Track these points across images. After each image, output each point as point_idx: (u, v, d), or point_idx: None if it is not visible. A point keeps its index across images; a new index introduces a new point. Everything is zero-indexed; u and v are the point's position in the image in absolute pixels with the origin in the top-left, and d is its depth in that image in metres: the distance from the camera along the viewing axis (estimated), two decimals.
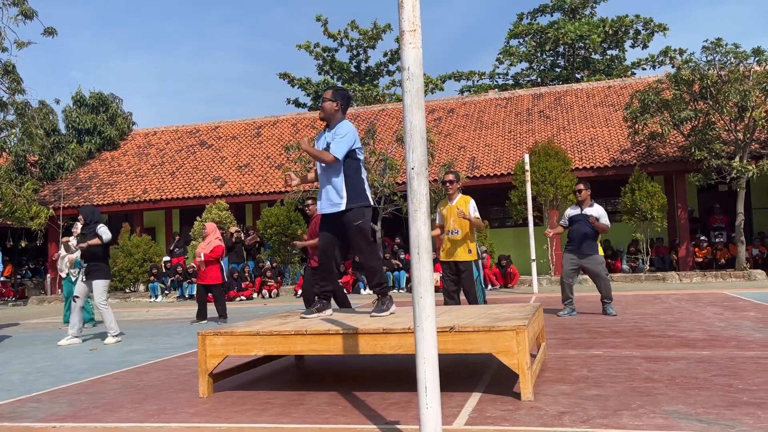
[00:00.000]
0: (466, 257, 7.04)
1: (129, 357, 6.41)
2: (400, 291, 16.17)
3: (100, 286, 7.84)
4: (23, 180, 21.25)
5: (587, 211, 8.12)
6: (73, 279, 10.15)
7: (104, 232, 7.79)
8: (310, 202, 8.16)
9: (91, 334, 9.06)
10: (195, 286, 16.01)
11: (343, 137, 4.60)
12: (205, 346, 4.26)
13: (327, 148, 4.63)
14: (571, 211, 8.34)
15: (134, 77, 73.68)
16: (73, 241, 9.67)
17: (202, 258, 9.58)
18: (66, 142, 23.69)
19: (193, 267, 16.83)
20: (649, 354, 5.04)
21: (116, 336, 7.89)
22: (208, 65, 73.38)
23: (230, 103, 68.21)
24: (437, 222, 7.33)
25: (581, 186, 8.31)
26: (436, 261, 9.49)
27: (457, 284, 7.19)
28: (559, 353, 5.29)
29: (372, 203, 4.85)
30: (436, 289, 12.05)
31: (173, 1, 71.82)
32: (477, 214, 7.13)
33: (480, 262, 8.97)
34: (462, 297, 7.37)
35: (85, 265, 7.90)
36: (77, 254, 8.33)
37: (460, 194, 7.25)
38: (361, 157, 4.79)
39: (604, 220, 8.08)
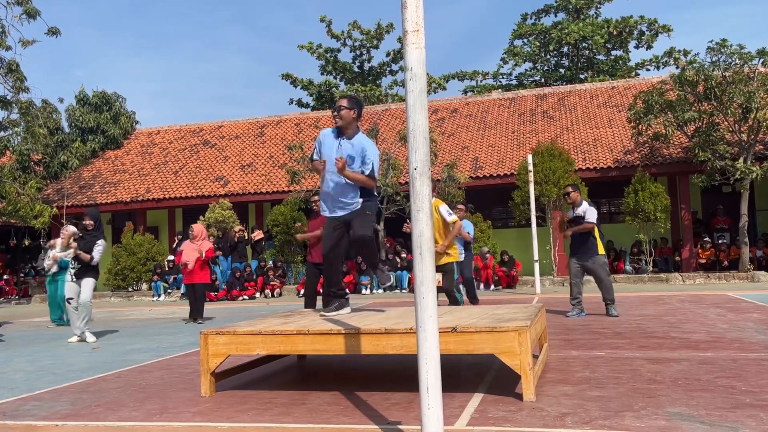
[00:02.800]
0: (447, 259, 7.22)
1: (131, 356, 6.42)
2: (402, 291, 16.17)
3: (90, 283, 7.82)
4: (27, 179, 21.28)
5: (578, 212, 8.17)
6: (53, 277, 10.27)
7: (99, 253, 7.80)
8: (317, 198, 8.05)
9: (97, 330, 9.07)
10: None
11: (375, 158, 4.83)
12: (207, 346, 4.26)
13: (349, 158, 4.74)
14: (570, 214, 8.39)
15: (138, 77, 73.87)
16: (58, 244, 9.83)
17: (192, 266, 9.65)
18: (69, 140, 23.74)
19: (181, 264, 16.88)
20: (652, 355, 5.03)
21: (80, 337, 7.87)
22: (212, 65, 73.53)
23: (234, 103, 68.34)
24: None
25: (569, 189, 8.40)
26: None
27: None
28: (561, 354, 5.28)
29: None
30: (439, 289, 12.05)
31: (177, 2, 71.91)
32: (453, 218, 7.19)
33: (468, 261, 9.02)
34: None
35: (77, 266, 7.90)
36: (69, 253, 8.38)
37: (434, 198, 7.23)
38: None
39: (588, 216, 8.06)
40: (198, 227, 10.09)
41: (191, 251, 9.77)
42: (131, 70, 73.88)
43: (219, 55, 73.25)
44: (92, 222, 7.93)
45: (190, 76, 74.48)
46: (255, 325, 4.45)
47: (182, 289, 17.51)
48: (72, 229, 9.45)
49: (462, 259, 8.74)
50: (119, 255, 18.78)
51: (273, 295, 16.61)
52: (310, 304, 7.16)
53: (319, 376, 4.86)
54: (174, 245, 20.05)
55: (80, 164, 23.39)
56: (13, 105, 19.42)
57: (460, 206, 9.51)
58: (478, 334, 3.71)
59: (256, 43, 71.36)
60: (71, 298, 7.88)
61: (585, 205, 8.14)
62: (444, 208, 7.18)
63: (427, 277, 2.80)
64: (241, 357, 5.05)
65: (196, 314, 9.87)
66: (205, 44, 72.02)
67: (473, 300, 9.32)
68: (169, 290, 17.92)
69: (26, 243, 21.64)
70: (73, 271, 7.95)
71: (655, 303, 9.76)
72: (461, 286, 9.10)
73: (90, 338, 7.82)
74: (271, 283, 16.85)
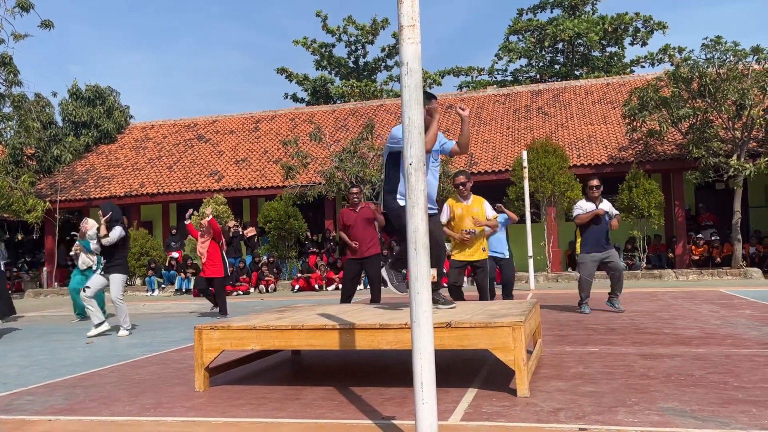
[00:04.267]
0: (482, 255, 7.26)
1: (125, 351, 6.41)
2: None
3: (118, 280, 7.86)
4: (20, 173, 21.19)
5: (602, 206, 8.07)
6: (82, 272, 10.21)
7: (116, 233, 7.82)
8: (356, 190, 7.91)
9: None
10: (192, 279, 16.03)
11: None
12: (201, 341, 4.26)
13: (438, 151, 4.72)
14: (586, 206, 8.11)
15: (132, 71, 73.49)
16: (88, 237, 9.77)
17: (204, 258, 9.75)
18: (63, 135, 23.61)
19: (193, 261, 16.87)
20: (645, 351, 5.06)
21: (129, 330, 7.95)
22: (207, 60, 73.22)
23: (228, 98, 68.08)
24: (446, 219, 7.23)
25: (597, 182, 8.11)
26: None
27: (463, 279, 7.46)
28: (555, 350, 5.30)
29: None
30: (437, 286, 12.03)
31: None
32: (493, 213, 7.38)
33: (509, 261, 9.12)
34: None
35: (104, 261, 7.96)
36: (95, 245, 8.50)
37: (472, 194, 7.34)
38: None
39: (615, 210, 8.21)
40: (205, 222, 9.98)
41: (201, 245, 9.85)
42: (126, 65, 73.54)
43: (214, 50, 72.98)
44: (102, 214, 7.97)
45: (184, 71, 74.21)
46: (249, 321, 4.45)
47: (176, 284, 17.50)
48: (91, 221, 9.57)
49: (507, 257, 9.07)
50: None
51: (267, 291, 16.59)
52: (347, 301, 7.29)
53: (314, 371, 4.86)
54: (167, 241, 20.01)
55: (73, 158, 23.27)
56: (6, 98, 19.32)
57: (499, 205, 9.31)
58: (473, 330, 3.72)
59: (251, 38, 71.13)
60: (88, 287, 7.87)
61: (607, 202, 8.18)
62: (487, 204, 7.39)
63: (421, 272, 2.80)
64: (236, 352, 5.05)
65: (220, 309, 9.82)
66: (199, 39, 71.77)
67: (485, 298, 9.43)
68: (163, 285, 17.88)
69: (19, 237, 21.55)
70: (101, 265, 8.08)
71: (648, 299, 9.80)
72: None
73: (122, 333, 7.84)
74: (266, 278, 16.83)
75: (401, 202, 4.46)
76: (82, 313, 10.29)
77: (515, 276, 9.94)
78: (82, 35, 71.80)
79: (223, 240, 10.21)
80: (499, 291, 9.50)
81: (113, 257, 7.90)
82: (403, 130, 2.86)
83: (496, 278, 9.94)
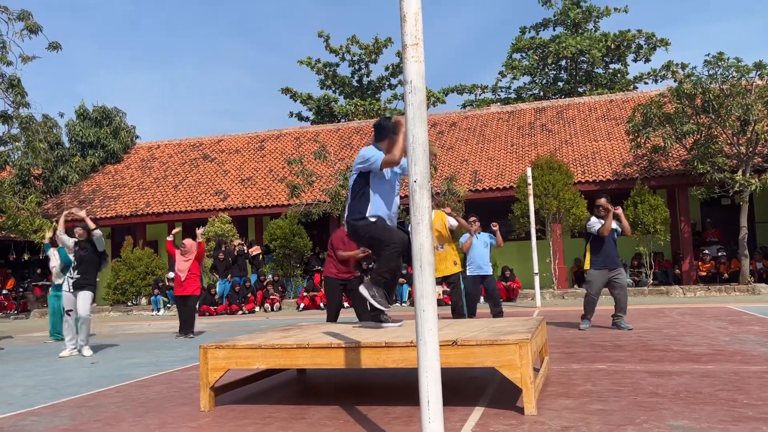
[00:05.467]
0: (453, 269, 7.27)
1: (130, 370, 6.39)
2: (402, 304, 16.13)
3: (88, 297, 7.83)
4: (27, 193, 21.30)
5: (612, 224, 8.02)
6: (55, 289, 10.16)
7: (99, 232, 8.04)
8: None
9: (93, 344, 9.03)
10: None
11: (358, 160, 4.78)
12: (206, 360, 4.24)
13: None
14: (597, 224, 8.00)
15: (138, 91, 74.17)
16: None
17: (185, 276, 9.80)
18: (69, 155, 23.79)
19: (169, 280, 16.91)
20: (653, 368, 5.01)
21: (72, 351, 7.88)
22: (212, 80, 73.85)
23: (233, 117, 68.57)
24: None
25: (604, 201, 7.99)
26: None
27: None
28: (562, 367, 5.25)
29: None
30: (441, 303, 12.09)
31: (176, 17, 72.45)
32: (455, 222, 7.48)
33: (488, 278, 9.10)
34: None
35: (77, 276, 7.88)
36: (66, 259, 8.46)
37: (433, 210, 7.39)
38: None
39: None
40: (190, 242, 10.11)
41: (182, 263, 9.83)
42: (131, 84, 74.24)
43: (219, 70, 73.65)
44: (83, 233, 8.03)
45: (190, 91, 74.85)
46: (254, 339, 4.44)
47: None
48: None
49: (491, 273, 9.13)
50: (119, 269, 18.74)
51: (272, 309, 16.56)
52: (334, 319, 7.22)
53: (319, 390, 4.83)
54: (171, 260, 20.02)
55: (80, 179, 23.42)
56: (14, 120, 19.49)
57: (473, 218, 9.44)
58: (479, 347, 3.70)
59: (255, 58, 71.78)
60: (71, 310, 7.87)
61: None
62: (447, 216, 7.46)
63: (427, 289, 2.80)
64: (241, 371, 5.03)
65: (187, 329, 9.82)
66: (204, 59, 72.46)
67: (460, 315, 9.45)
68: (168, 305, 17.87)
69: (26, 257, 21.61)
70: (71, 281, 7.92)
71: (655, 316, 9.73)
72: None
73: (87, 352, 7.79)
74: (271, 297, 16.81)
75: (372, 219, 4.56)
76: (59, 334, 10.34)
77: (519, 293, 10.01)
78: (87, 55, 72.63)
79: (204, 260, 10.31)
80: (483, 309, 9.50)
81: (88, 274, 7.89)
82: (407, 148, 2.87)
83: (481, 293, 10.00)
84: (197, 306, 10.48)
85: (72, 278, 7.92)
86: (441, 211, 7.47)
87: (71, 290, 7.88)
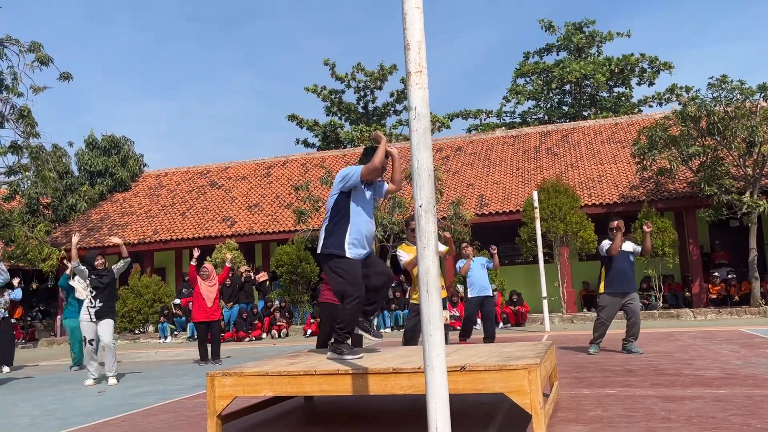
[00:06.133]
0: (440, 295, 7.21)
1: (137, 399, 6.36)
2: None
3: (110, 326, 7.91)
4: (36, 222, 21.45)
5: (626, 247, 7.93)
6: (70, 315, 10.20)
7: (123, 261, 8.20)
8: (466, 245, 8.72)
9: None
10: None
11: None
12: (213, 387, 4.22)
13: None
14: (607, 244, 7.91)
15: (146, 120, 74.97)
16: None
17: (210, 303, 9.80)
18: (78, 184, 23.99)
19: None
20: (665, 393, 4.95)
21: (116, 376, 7.96)
22: (219, 107, 74.62)
23: (240, 144, 69.09)
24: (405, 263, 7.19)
25: (615, 223, 7.91)
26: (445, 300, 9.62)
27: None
28: (572, 393, 5.19)
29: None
30: (450, 329, 12.05)
31: (184, 47, 73.51)
32: (444, 247, 7.46)
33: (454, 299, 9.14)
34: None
35: (99, 305, 7.89)
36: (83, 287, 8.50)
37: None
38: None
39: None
40: (210, 267, 10.18)
41: (208, 289, 9.83)
42: (139, 113, 75.08)
43: (226, 98, 74.44)
44: (103, 261, 8.11)
45: (197, 119, 75.59)
46: (262, 366, 4.42)
47: (189, 332, 17.43)
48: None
49: (491, 294, 9.47)
50: (126, 297, 18.75)
51: (280, 336, 16.49)
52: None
53: (327, 417, 4.79)
54: (180, 287, 20.03)
55: (88, 207, 23.58)
56: (24, 150, 19.71)
57: (465, 245, 9.70)
58: (488, 373, 3.67)
59: (262, 86, 72.56)
60: (93, 340, 7.88)
61: (627, 241, 8.08)
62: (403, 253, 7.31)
63: (434, 314, 2.79)
64: (248, 399, 5.00)
65: (216, 355, 9.84)
66: (211, 87, 73.25)
67: (466, 336, 9.53)
68: (175, 332, 17.83)
69: (34, 286, 21.66)
70: (93, 310, 7.90)
71: (666, 339, 9.63)
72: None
73: (112, 381, 7.79)
74: (278, 323, 16.75)
75: (349, 253, 4.47)
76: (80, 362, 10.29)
77: (528, 317, 10.07)
78: (96, 85, 73.59)
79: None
80: (477, 335, 9.59)
81: (109, 302, 7.97)
82: (412, 173, 2.88)
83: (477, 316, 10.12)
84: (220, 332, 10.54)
85: (93, 307, 7.91)
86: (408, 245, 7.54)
87: (92, 319, 7.90)
